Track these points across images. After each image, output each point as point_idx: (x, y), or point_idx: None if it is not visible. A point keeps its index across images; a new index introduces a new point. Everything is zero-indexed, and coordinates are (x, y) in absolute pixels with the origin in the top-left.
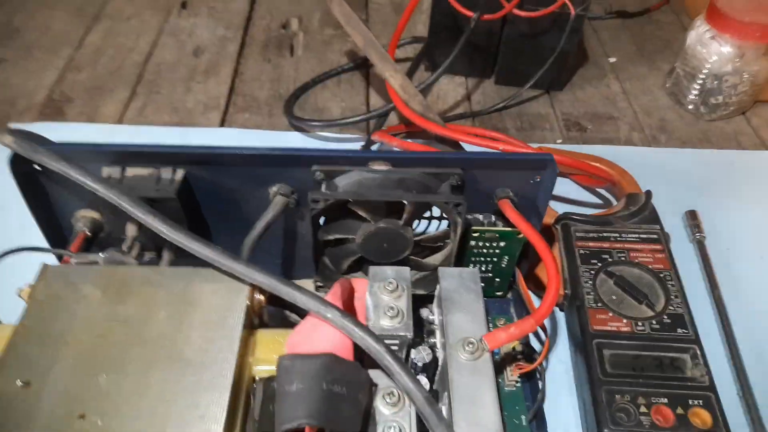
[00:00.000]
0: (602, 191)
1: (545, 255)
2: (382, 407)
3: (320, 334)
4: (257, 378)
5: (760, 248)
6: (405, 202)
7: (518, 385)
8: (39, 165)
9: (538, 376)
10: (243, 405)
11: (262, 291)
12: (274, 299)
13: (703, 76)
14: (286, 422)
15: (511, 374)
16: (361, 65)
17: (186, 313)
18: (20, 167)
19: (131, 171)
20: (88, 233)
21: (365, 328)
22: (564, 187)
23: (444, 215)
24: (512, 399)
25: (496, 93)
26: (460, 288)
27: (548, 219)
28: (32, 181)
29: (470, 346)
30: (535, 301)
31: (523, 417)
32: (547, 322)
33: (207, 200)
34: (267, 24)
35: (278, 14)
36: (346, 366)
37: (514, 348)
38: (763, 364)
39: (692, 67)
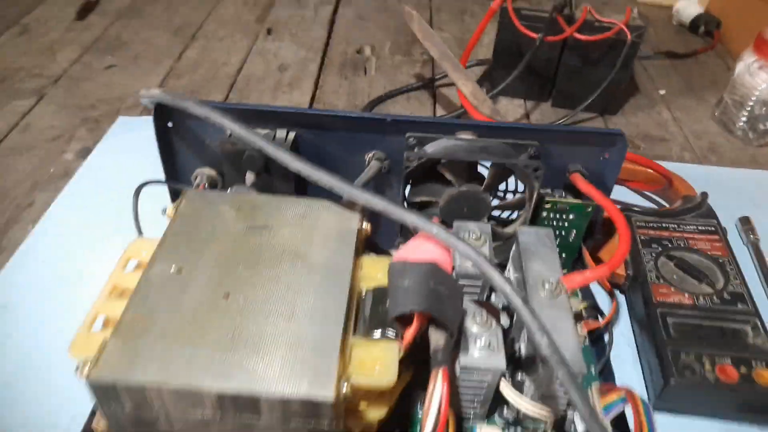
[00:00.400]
0: (656, 197)
1: (617, 216)
2: (471, 327)
3: (424, 249)
4: (365, 290)
5: None
6: (487, 168)
7: (586, 343)
8: (173, 121)
9: (604, 339)
10: (355, 308)
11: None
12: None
13: (752, 104)
14: (399, 309)
15: (581, 331)
16: (428, 85)
17: (307, 231)
18: (160, 118)
19: None
20: (207, 185)
21: (465, 241)
22: (618, 192)
23: (518, 190)
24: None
25: (553, 113)
26: (537, 242)
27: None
28: (166, 135)
29: (548, 285)
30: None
31: (592, 368)
32: (608, 303)
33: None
34: (343, 49)
35: (353, 41)
36: (447, 275)
37: (581, 310)
38: None
39: (741, 95)
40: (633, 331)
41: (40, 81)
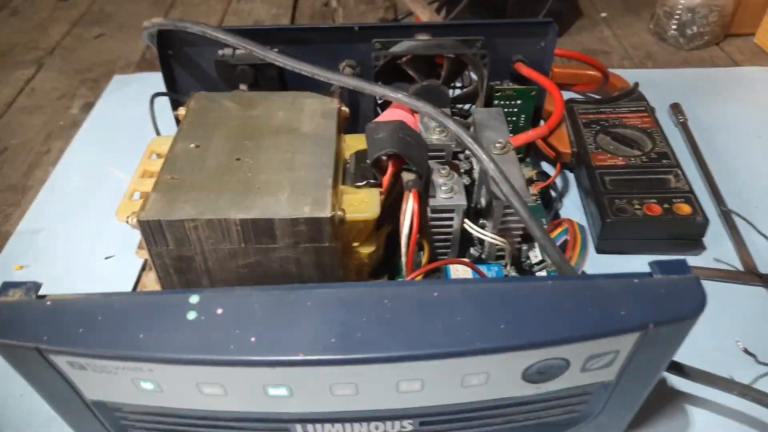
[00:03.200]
0: (598, 97)
1: (553, 89)
2: (437, 179)
3: (392, 114)
4: (349, 155)
5: (735, 129)
6: (444, 60)
7: (538, 201)
8: (173, 49)
9: (552, 198)
10: (342, 167)
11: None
12: None
13: (680, 12)
14: (376, 153)
15: (533, 191)
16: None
17: (296, 113)
18: (163, 44)
19: (239, 52)
20: None
21: (428, 103)
22: (565, 96)
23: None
24: (533, 211)
25: None
26: (489, 118)
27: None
28: (167, 61)
29: (499, 144)
30: (549, 170)
31: (543, 220)
32: (559, 179)
33: (292, 75)
34: (311, 4)
35: None
36: (413, 130)
37: (532, 176)
38: (737, 194)
39: (670, 6)
40: (580, 198)
41: (37, 53)
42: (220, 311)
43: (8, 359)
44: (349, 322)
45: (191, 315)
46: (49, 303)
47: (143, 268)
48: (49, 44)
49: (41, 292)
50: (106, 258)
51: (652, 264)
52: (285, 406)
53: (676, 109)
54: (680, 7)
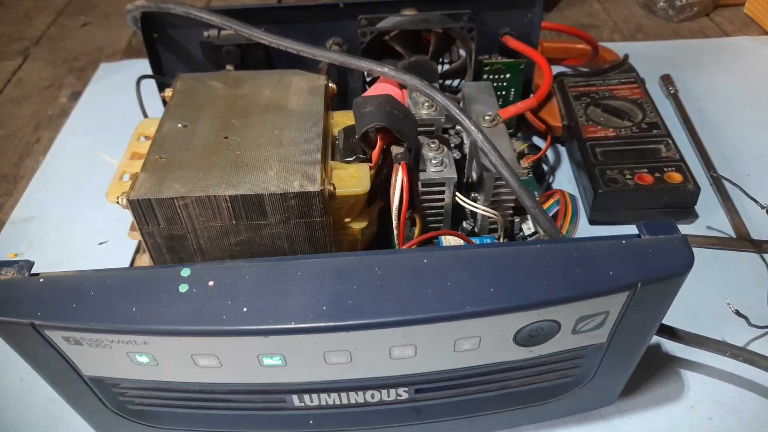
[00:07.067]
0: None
1: (541, 61)
2: (427, 153)
3: (380, 89)
4: (337, 132)
5: (725, 99)
6: (431, 35)
7: (530, 175)
8: (158, 32)
9: (544, 172)
10: (331, 144)
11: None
12: None
13: None
14: (364, 126)
15: (524, 164)
16: None
17: (284, 90)
18: (147, 27)
19: (224, 32)
20: None
21: (415, 76)
22: (555, 70)
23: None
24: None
25: None
26: (478, 91)
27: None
28: (153, 45)
29: (488, 117)
30: (541, 144)
31: (535, 193)
32: (551, 153)
33: (279, 54)
34: None
35: None
36: (401, 103)
37: (524, 149)
38: (729, 162)
39: None
40: (572, 171)
41: (23, 43)
42: (211, 283)
43: (5, 337)
44: (340, 290)
45: (183, 288)
46: (41, 280)
47: (137, 251)
48: (34, 34)
49: (34, 271)
50: (100, 243)
51: (639, 225)
52: (280, 376)
53: (666, 80)
54: None
